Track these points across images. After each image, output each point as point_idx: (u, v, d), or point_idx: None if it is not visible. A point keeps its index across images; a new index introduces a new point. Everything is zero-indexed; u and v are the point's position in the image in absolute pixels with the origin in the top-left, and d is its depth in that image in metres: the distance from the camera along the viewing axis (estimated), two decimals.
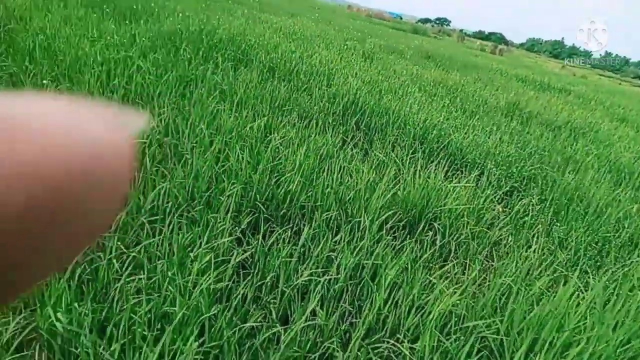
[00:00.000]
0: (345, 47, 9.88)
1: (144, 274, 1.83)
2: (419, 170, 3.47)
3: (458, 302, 2.10)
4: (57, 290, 1.61)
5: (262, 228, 2.35)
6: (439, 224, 2.90)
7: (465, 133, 4.85)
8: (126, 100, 3.48)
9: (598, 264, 3.15)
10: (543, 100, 9.81)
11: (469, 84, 9.27)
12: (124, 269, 1.88)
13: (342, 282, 2.04)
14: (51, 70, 3.87)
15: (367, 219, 2.51)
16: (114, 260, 1.88)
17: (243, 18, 9.91)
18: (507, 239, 3.20)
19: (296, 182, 2.65)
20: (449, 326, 1.96)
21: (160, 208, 2.30)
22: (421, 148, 4.25)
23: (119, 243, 1.99)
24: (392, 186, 3.04)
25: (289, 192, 2.61)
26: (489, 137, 4.98)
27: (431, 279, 2.24)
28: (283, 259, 2.08)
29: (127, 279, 1.81)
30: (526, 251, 3.12)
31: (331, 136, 3.77)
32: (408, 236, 2.78)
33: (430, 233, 2.83)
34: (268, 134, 3.46)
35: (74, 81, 3.72)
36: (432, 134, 4.53)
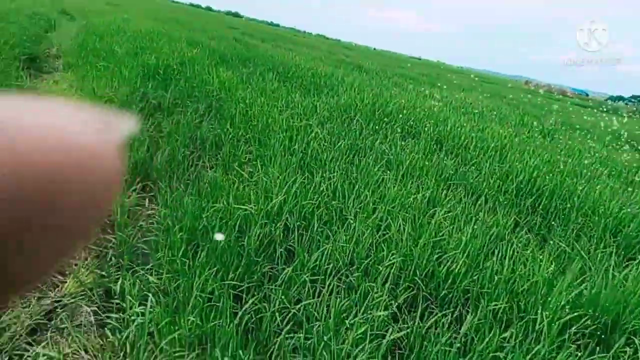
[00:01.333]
0: (521, 123, 9.31)
1: (302, 332, 1.85)
2: (612, 268, 2.90)
3: None
4: (227, 333, 1.73)
5: (420, 307, 2.20)
6: None
7: None
8: (303, 162, 3.79)
9: None
10: None
11: None
12: (284, 323, 1.94)
13: None
14: (246, 132, 4.50)
15: (545, 318, 2.15)
16: (277, 314, 1.96)
17: (414, 92, 10.25)
18: None
19: (460, 262, 2.45)
20: None
21: (322, 268, 2.35)
22: (614, 242, 3.59)
23: (282, 297, 2.08)
24: (576, 283, 2.59)
25: (452, 272, 2.42)
26: None
27: None
28: (442, 347, 1.89)
29: (286, 335, 1.85)
30: None
31: (502, 216, 3.46)
32: (597, 348, 2.28)
33: (629, 350, 2.28)
34: (431, 207, 3.34)
35: (262, 143, 4.24)
36: (629, 226, 3.81)
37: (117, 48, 6.42)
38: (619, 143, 11.15)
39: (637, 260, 3.16)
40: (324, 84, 8.17)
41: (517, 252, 2.82)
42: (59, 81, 5.73)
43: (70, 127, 0.15)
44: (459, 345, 1.96)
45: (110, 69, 5.32)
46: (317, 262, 2.38)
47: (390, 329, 1.97)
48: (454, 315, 2.22)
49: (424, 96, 9.93)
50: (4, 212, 0.13)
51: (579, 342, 2.28)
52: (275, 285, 2.19)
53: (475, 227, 2.97)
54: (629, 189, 5.32)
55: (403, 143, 5.13)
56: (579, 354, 2.07)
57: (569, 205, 4.04)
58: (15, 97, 0.15)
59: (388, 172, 3.91)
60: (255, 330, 1.89)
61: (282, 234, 2.59)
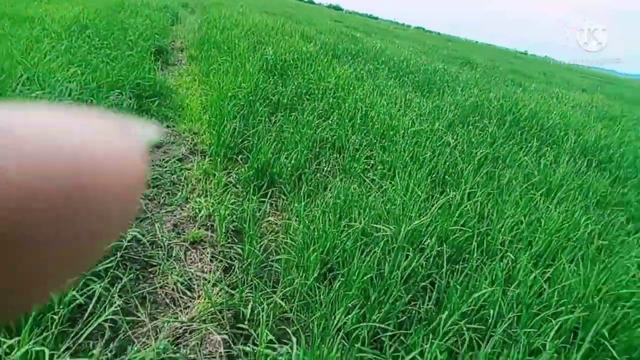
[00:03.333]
0: None
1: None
2: None
3: None
4: None
5: None
6: None
7: None
8: (435, 173, 3.40)
9: None
10: None
11: None
12: None
13: None
14: (366, 135, 4.19)
15: None
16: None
17: (536, 92, 9.22)
18: None
19: None
20: None
21: (481, 314, 1.97)
22: None
23: (437, 351, 1.75)
24: None
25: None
26: None
27: None
28: None
29: None
30: None
31: None
32: None
33: None
34: (598, 239, 2.77)
35: (385, 148, 3.91)
36: None
37: (238, 42, 6.48)
38: None
39: None
40: (439, 81, 7.60)
41: None
42: (183, 74, 5.92)
43: (93, 134, 0.15)
44: None
45: (232, 62, 5.34)
46: (473, 306, 2.00)
47: None
48: None
49: (555, 97, 8.89)
50: (31, 215, 0.13)
51: None
52: (425, 331, 1.86)
53: None
54: None
55: (538, 153, 4.48)
56: None
57: None
58: (40, 106, 0.15)
59: (534, 190, 3.36)
60: None
61: (425, 265, 2.25)
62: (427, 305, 2.01)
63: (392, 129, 4.20)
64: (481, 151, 3.94)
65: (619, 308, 2.08)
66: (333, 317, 1.86)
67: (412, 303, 2.05)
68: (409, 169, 3.32)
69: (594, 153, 4.84)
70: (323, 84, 5.46)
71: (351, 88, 5.52)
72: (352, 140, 3.96)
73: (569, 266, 2.35)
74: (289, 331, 1.83)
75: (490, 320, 1.91)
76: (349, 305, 1.87)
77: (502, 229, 2.66)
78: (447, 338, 1.83)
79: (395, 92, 5.97)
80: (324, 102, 4.65)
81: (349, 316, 1.78)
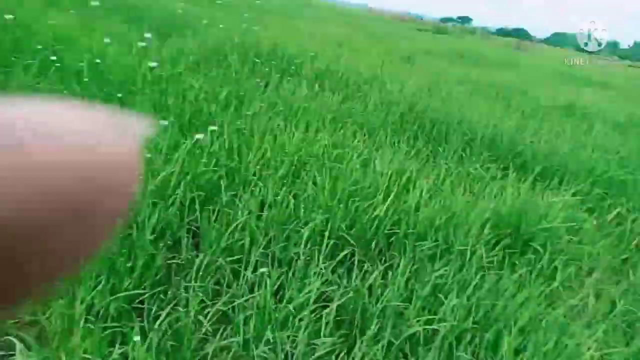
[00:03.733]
0: (383, 51, 9.58)
1: (237, 335, 1.58)
2: (498, 182, 3.14)
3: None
4: None
5: (353, 265, 2.07)
6: (540, 246, 2.56)
7: (537, 137, 4.47)
8: (183, 120, 3.27)
9: None
10: (591, 96, 9.23)
11: (516, 82, 8.79)
12: (207, 322, 1.65)
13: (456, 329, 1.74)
14: (100, 90, 3.72)
15: (471, 245, 2.20)
16: (200, 317, 1.64)
17: (279, 26, 9.74)
18: (604, 255, 2.84)
19: (380, 206, 2.36)
20: None
21: (243, 245, 2.05)
22: (490, 157, 3.90)
23: (200, 294, 1.76)
24: (487, 204, 2.72)
25: (375, 219, 2.33)
26: (561, 140, 4.57)
27: (560, 316, 1.91)
28: (386, 304, 1.80)
29: (220, 344, 1.57)
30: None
31: (404, 153, 3.47)
32: (511, 258, 2.46)
33: (532, 257, 2.50)
34: (336, 150, 3.18)
35: (126, 103, 3.55)
36: (501, 141, 4.18)
37: None
38: (461, 60, 12.29)
39: (515, 172, 3.46)
40: (180, 23, 7.23)
41: (427, 185, 2.85)
42: None
43: (86, 129, 0.15)
44: (400, 295, 1.89)
45: None
46: (229, 242, 2.06)
47: (331, 297, 1.80)
48: (386, 265, 2.15)
49: (294, 30, 9.53)
50: (20, 215, 0.13)
51: (494, 256, 2.41)
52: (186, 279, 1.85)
53: (388, 163, 2.90)
54: (490, 102, 5.88)
55: (283, 84, 4.82)
56: (513, 277, 2.17)
57: (451, 127, 4.26)
58: (30, 100, 0.15)
59: (277, 118, 3.61)
60: (178, 350, 1.56)
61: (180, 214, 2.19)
62: (187, 254, 1.98)
63: (129, 77, 3.83)
64: (227, 90, 3.97)
65: (354, 205, 2.47)
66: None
67: (172, 257, 1.99)
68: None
69: (327, 77, 5.48)
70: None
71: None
72: (82, 94, 3.44)
73: (311, 179, 2.63)
74: None
75: (246, 247, 2.01)
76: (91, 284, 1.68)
77: (251, 161, 2.79)
78: (209, 278, 1.85)
79: (132, 37, 5.41)
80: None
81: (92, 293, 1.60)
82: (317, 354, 1.62)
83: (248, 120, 3.41)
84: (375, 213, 2.32)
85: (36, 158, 0.13)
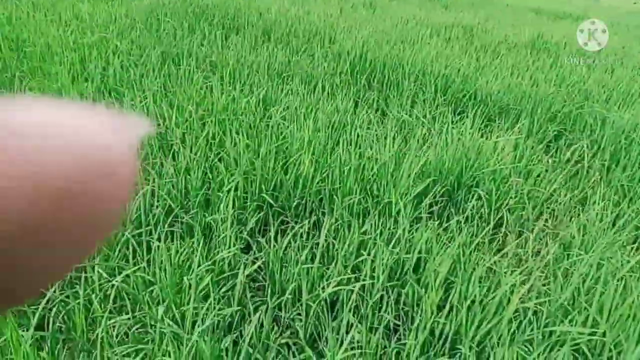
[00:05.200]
0: None
1: (130, 312, 1.44)
2: (449, 128, 2.97)
3: (529, 294, 1.67)
4: None
5: (272, 227, 1.91)
6: (483, 191, 2.44)
7: (494, 76, 4.27)
8: (104, 88, 3.02)
9: None
10: (565, 30, 8.96)
11: (483, 21, 8.47)
12: (107, 303, 1.50)
13: (380, 288, 1.61)
14: (21, 64, 3.43)
15: (400, 198, 2.05)
16: (94, 296, 1.49)
17: None
18: (561, 194, 2.72)
19: (307, 163, 2.19)
20: (525, 328, 1.53)
21: (150, 216, 1.89)
22: (445, 101, 3.72)
23: (100, 271, 1.60)
24: (421, 152, 2.56)
25: (300, 176, 2.16)
26: (521, 78, 4.38)
27: (489, 264, 1.80)
28: (303, 266, 1.67)
29: (109, 320, 1.42)
30: (583, 206, 2.66)
31: (341, 100, 3.27)
32: (449, 209, 2.33)
33: (475, 203, 2.38)
34: (269, 107, 2.98)
35: (46, 74, 3.27)
36: (455, 82, 3.97)
37: None
38: (432, 3, 11.86)
39: (467, 114, 3.30)
40: None
41: (362, 135, 2.67)
42: None
43: (84, 128, 0.15)
44: (321, 255, 1.76)
45: None
46: (140, 211, 1.89)
47: (242, 266, 1.66)
48: (312, 223, 2.00)
49: None
50: (16, 214, 0.13)
51: (432, 210, 2.29)
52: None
53: (316, 118, 2.71)
54: (451, 45, 5.62)
55: (227, 41, 4.51)
56: (436, 225, 2.05)
57: (400, 73, 4.04)
58: (27, 99, 0.15)
59: (213, 76, 3.36)
60: (69, 331, 1.42)
61: None
62: None
63: (50, 49, 3.52)
64: (159, 51, 3.68)
65: (280, 163, 2.30)
66: None
67: None
68: (70, 89, 2.86)
69: (276, 30, 5.15)
70: None
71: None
72: None
73: (237, 137, 2.44)
74: None
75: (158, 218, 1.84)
76: None
77: (177, 122, 2.58)
78: (115, 253, 1.69)
79: (58, 3, 5.00)
80: None
81: None
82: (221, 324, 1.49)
83: (181, 82, 3.17)
84: (301, 171, 2.15)
85: (31, 157, 0.13)
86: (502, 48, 5.78)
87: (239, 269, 1.66)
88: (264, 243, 1.84)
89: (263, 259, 1.74)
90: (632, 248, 2.23)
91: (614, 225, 2.42)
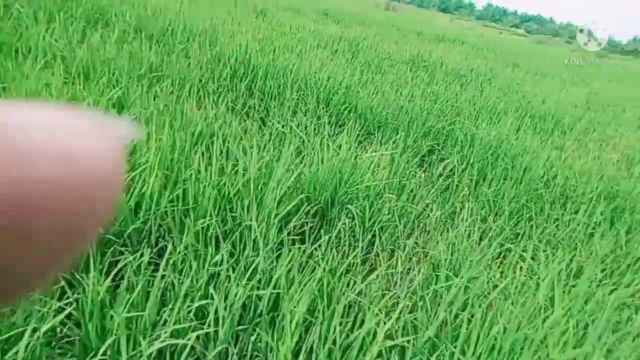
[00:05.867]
0: (234, 3, 8.80)
1: None
2: (327, 140, 2.82)
3: (396, 326, 1.52)
4: None
5: (96, 260, 1.53)
6: (356, 207, 2.30)
7: (375, 91, 4.29)
8: None
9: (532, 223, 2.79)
10: (443, 52, 9.67)
11: (370, 38, 8.76)
12: None
13: (223, 337, 1.33)
14: None
15: (265, 219, 1.80)
16: None
17: None
18: (433, 209, 2.72)
19: (152, 179, 1.84)
20: None
21: None
22: (327, 112, 3.60)
23: None
24: (294, 166, 2.36)
25: (144, 195, 1.80)
26: (399, 93, 4.47)
27: (354, 295, 1.62)
28: (128, 314, 1.32)
29: None
30: (453, 221, 2.69)
31: (213, 105, 2.95)
32: (319, 230, 2.15)
33: (348, 222, 2.23)
34: (123, 111, 2.56)
35: None
36: (338, 94, 3.89)
37: None
38: (326, 18, 12.09)
39: (347, 127, 3.20)
40: None
41: (231, 145, 2.39)
42: None
43: (70, 131, 0.15)
44: (156, 296, 1.42)
45: None
46: None
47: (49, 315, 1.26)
48: (155, 252, 1.66)
49: None
50: (7, 213, 0.13)
51: (302, 230, 2.09)
52: None
53: (172, 126, 2.36)
54: (337, 58, 5.61)
55: (88, 35, 3.92)
56: (300, 247, 1.83)
57: (282, 82, 3.85)
58: (14, 102, 0.15)
59: (56, 74, 2.82)
60: None
61: None
62: None
63: None
64: None
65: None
66: None
67: None
68: None
69: (150, 26, 4.66)
70: None
71: None
72: None
73: None
74: None
75: None
76: None
77: None
78: None
79: None
80: None
81: None
82: None
83: (14, 78, 2.59)
84: (144, 189, 1.79)
85: (18, 159, 0.13)
86: (384, 64, 5.94)
87: (44, 320, 1.26)
88: (85, 282, 1.45)
89: (74, 305, 1.35)
90: (497, 264, 2.26)
91: (480, 240, 2.45)
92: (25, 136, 0.13)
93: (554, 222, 2.81)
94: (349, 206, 2.34)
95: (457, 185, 3.06)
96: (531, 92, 6.95)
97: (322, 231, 2.22)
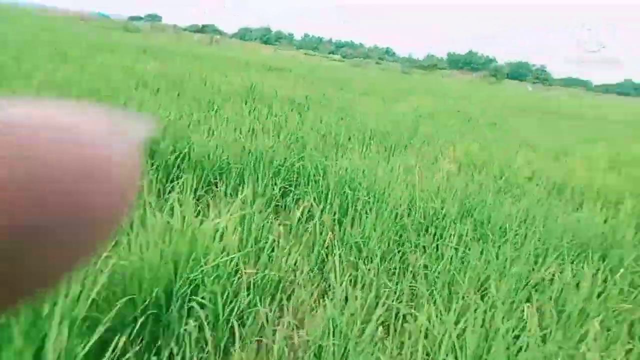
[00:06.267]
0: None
1: None
2: (152, 206, 2.14)
3: None
4: None
5: None
6: (205, 299, 1.70)
7: (210, 131, 3.72)
8: None
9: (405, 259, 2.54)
10: (275, 81, 9.61)
11: (196, 72, 8.16)
12: None
13: None
14: None
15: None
16: None
17: None
18: (302, 271, 2.27)
19: None
20: None
21: None
22: (152, 166, 2.90)
23: None
24: (103, 259, 1.64)
25: None
26: (239, 131, 3.97)
27: None
28: None
29: None
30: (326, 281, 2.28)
31: None
32: (153, 344, 1.49)
33: (195, 323, 1.61)
34: None
35: None
36: (164, 141, 3.21)
37: None
38: (145, 56, 11.12)
39: (180, 181, 2.56)
40: None
41: None
42: None
43: (87, 130, 0.14)
44: None
45: None
46: None
47: None
48: None
49: None
50: (19, 215, 0.12)
51: (128, 356, 1.40)
52: None
53: None
54: (159, 98, 4.87)
55: None
56: None
57: None
58: (36, 102, 0.14)
59: None
60: None
61: None
62: None
63: None
64: None
65: None
66: None
67: None
68: None
69: None
70: None
71: None
72: None
73: None
74: None
75: None
76: None
77: None
78: None
79: None
80: None
81: None
82: None
83: None
84: None
85: (35, 160, 0.13)
86: (216, 99, 5.41)
87: None
88: None
89: None
90: (385, 330, 1.88)
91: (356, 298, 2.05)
92: (38, 141, 0.13)
93: (425, 251, 2.60)
94: (194, 297, 1.72)
95: (320, 231, 2.66)
96: (363, 112, 7.18)
97: (159, 341, 1.57)
